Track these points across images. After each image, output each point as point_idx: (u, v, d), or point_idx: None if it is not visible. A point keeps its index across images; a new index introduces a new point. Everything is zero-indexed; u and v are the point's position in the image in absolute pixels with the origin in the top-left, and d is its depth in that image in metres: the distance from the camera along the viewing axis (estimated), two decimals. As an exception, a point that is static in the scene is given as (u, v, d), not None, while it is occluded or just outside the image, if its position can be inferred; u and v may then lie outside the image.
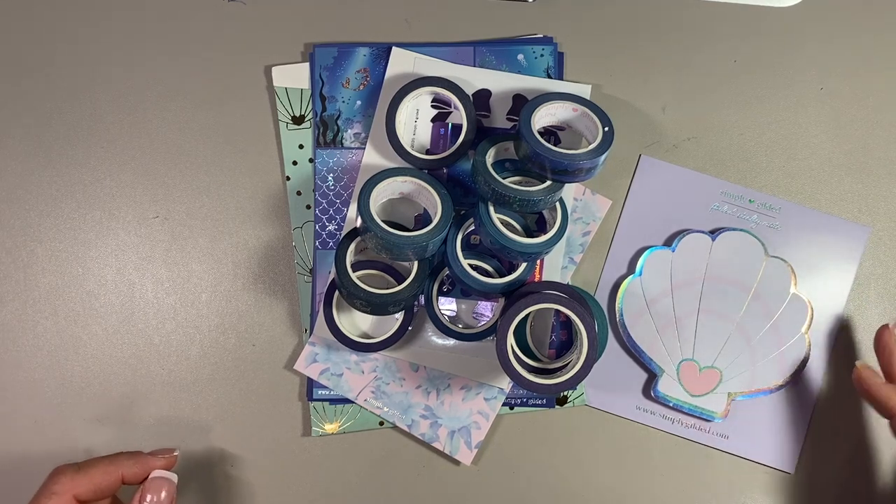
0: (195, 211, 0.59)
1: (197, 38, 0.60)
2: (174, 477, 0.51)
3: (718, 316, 0.58)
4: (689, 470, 0.58)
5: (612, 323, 0.58)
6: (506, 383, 0.58)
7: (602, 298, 0.59)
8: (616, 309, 0.58)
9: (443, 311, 0.57)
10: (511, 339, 0.52)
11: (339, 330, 0.56)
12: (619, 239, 0.59)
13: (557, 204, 0.55)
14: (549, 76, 0.58)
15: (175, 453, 0.53)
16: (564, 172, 0.53)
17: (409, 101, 0.57)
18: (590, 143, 0.53)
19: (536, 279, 0.57)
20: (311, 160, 0.59)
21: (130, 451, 0.52)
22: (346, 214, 0.58)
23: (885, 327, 0.54)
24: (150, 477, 0.51)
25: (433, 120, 0.58)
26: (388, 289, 0.54)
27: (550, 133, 0.58)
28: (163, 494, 0.50)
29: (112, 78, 0.60)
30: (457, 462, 0.58)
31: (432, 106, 0.58)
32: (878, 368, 0.54)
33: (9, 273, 0.59)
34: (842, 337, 0.58)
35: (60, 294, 0.59)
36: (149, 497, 0.50)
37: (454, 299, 0.58)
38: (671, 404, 0.57)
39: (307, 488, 0.58)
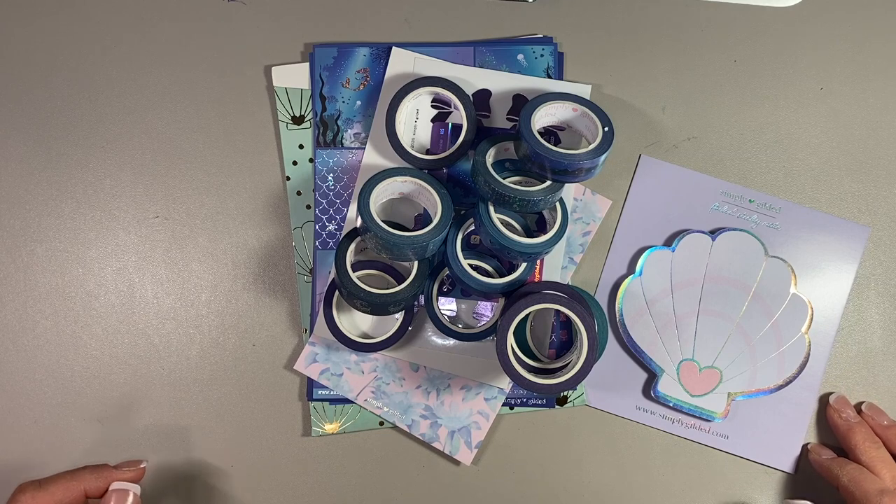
0: (195, 211, 0.59)
1: (197, 38, 0.60)
2: (136, 488, 0.51)
3: (718, 316, 0.58)
4: (689, 470, 0.58)
5: (612, 323, 0.58)
6: (506, 383, 0.58)
7: (602, 298, 0.59)
8: (616, 309, 0.58)
9: (443, 311, 0.57)
10: (511, 339, 0.52)
11: (339, 330, 0.56)
12: (619, 239, 0.59)
13: (557, 204, 0.55)
14: (549, 76, 0.58)
15: (142, 465, 0.53)
16: (564, 172, 0.53)
17: (409, 101, 0.57)
18: (590, 143, 0.53)
19: (536, 279, 0.57)
20: (311, 160, 0.59)
21: (94, 465, 0.52)
22: (346, 214, 0.58)
23: (828, 405, 0.57)
24: (110, 489, 0.50)
25: (433, 120, 0.58)
26: (388, 289, 0.54)
27: (550, 133, 0.58)
28: None
29: (112, 78, 0.60)
30: (457, 462, 0.58)
31: (432, 106, 0.58)
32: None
33: (9, 273, 0.59)
34: (842, 337, 0.58)
35: (60, 294, 0.59)
36: None
37: (454, 299, 0.58)
38: (671, 404, 0.57)
39: (307, 488, 0.58)
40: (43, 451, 0.58)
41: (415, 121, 0.58)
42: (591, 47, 0.59)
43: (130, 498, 0.50)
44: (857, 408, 0.57)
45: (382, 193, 0.55)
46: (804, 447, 0.58)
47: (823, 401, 0.58)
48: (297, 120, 0.59)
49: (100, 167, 0.59)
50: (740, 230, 0.58)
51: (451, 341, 0.58)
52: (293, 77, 0.59)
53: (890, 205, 0.59)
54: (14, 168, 0.59)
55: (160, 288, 0.59)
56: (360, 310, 0.55)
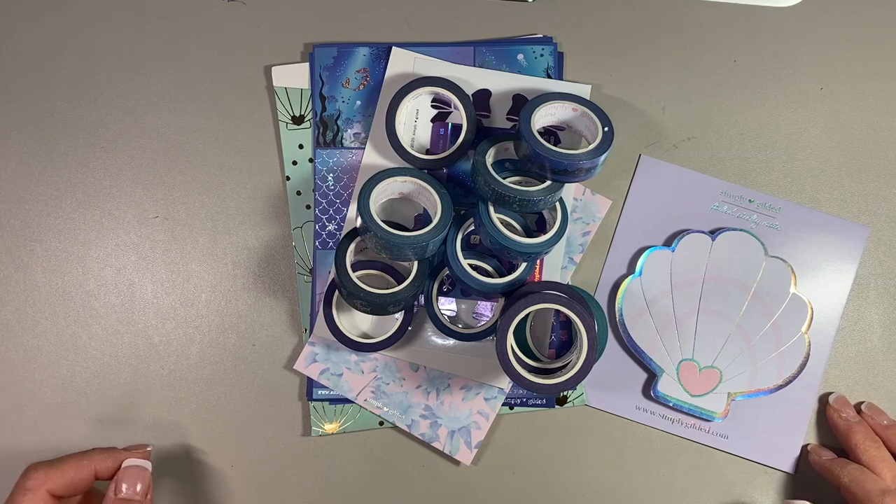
0: (195, 211, 0.59)
1: (197, 38, 0.60)
2: (148, 464, 0.52)
3: (718, 316, 0.58)
4: (689, 470, 0.58)
5: (612, 323, 0.58)
6: (506, 383, 0.58)
7: (602, 298, 0.59)
8: (616, 309, 0.58)
9: (443, 311, 0.57)
10: (511, 339, 0.52)
11: (339, 330, 0.56)
12: (619, 239, 0.59)
13: (557, 204, 0.55)
14: (549, 76, 0.58)
15: (148, 448, 0.55)
16: (564, 172, 0.53)
17: (409, 101, 0.57)
18: (590, 143, 0.53)
19: (536, 279, 0.57)
20: (311, 160, 0.59)
21: (103, 447, 0.53)
22: (346, 214, 0.58)
23: (828, 405, 0.57)
24: (123, 466, 0.52)
25: (433, 120, 0.58)
26: (388, 289, 0.54)
27: (550, 133, 0.58)
28: (138, 487, 0.51)
29: (112, 78, 0.60)
30: (457, 462, 0.58)
31: (432, 106, 0.58)
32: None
33: (9, 273, 0.59)
34: (842, 337, 0.58)
35: (60, 294, 0.59)
36: (124, 486, 0.51)
37: (454, 299, 0.58)
38: (671, 404, 0.57)
39: (307, 488, 0.58)
40: (43, 452, 0.58)
41: (415, 121, 0.58)
42: (591, 47, 0.59)
43: (143, 475, 0.52)
44: (857, 407, 0.57)
45: (382, 193, 0.55)
46: (804, 447, 0.58)
47: (823, 401, 0.58)
48: (297, 120, 0.59)
49: (100, 167, 0.59)
50: (740, 230, 0.58)
51: (451, 341, 0.58)
52: (293, 77, 0.59)
53: (890, 205, 0.59)
54: (14, 168, 0.59)
55: (160, 288, 0.59)
56: (360, 310, 0.55)
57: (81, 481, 0.51)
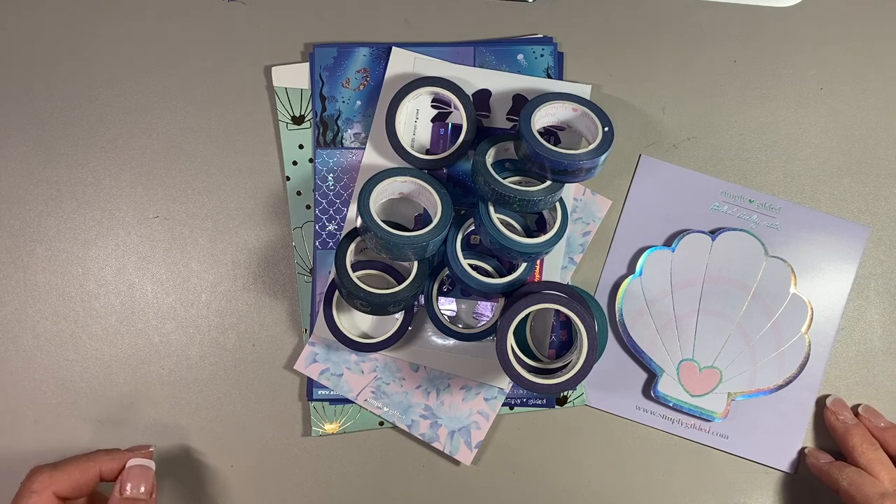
0: (195, 211, 0.59)
1: (197, 38, 0.60)
2: (151, 464, 0.52)
3: (718, 316, 0.58)
4: (689, 470, 0.58)
5: (612, 323, 0.58)
6: (506, 383, 0.58)
7: (602, 298, 0.59)
8: (616, 309, 0.58)
9: (443, 311, 0.57)
10: (511, 339, 0.52)
11: (339, 330, 0.56)
12: (619, 239, 0.59)
13: (557, 204, 0.55)
14: (549, 76, 0.58)
15: (151, 449, 0.55)
16: (564, 172, 0.53)
17: (409, 101, 0.57)
18: (590, 143, 0.53)
19: (536, 279, 0.57)
20: (311, 160, 0.59)
21: (107, 449, 0.54)
22: (346, 214, 0.58)
23: (825, 408, 0.57)
24: (127, 466, 0.52)
25: (433, 120, 0.58)
26: (388, 289, 0.54)
27: (550, 133, 0.58)
28: (143, 487, 0.51)
29: (112, 78, 0.60)
30: (457, 462, 0.58)
31: (432, 106, 0.58)
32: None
33: (9, 273, 0.59)
34: (842, 337, 0.58)
35: (60, 294, 0.59)
36: (129, 486, 0.51)
37: (454, 299, 0.58)
38: (671, 404, 0.57)
39: (307, 488, 0.58)
40: (43, 451, 0.58)
41: (415, 121, 0.58)
42: (591, 47, 0.59)
43: (146, 475, 0.52)
44: (855, 409, 0.57)
45: (382, 193, 0.55)
46: (804, 448, 0.58)
47: (823, 401, 0.58)
48: (297, 120, 0.59)
49: (100, 167, 0.59)
50: (740, 230, 0.58)
51: (451, 341, 0.58)
52: (293, 77, 0.59)
53: (890, 205, 0.59)
54: (14, 168, 0.59)
55: (160, 288, 0.59)
56: (360, 310, 0.55)
57: (86, 483, 0.51)
